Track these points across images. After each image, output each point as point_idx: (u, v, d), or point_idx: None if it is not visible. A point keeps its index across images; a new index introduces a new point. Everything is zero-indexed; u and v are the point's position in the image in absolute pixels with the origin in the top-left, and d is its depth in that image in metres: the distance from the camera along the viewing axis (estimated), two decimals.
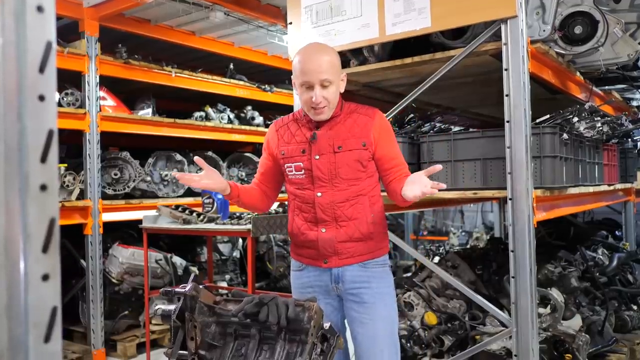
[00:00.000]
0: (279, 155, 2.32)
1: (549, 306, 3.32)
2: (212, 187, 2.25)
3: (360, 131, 2.23)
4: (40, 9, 0.76)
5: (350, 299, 2.27)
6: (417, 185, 2.00)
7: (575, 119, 3.16)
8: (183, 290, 1.94)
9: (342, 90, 2.30)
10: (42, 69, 0.75)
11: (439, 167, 2.02)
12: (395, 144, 2.34)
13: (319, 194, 2.23)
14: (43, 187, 0.75)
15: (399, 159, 2.31)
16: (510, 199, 2.60)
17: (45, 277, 0.75)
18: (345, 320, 2.38)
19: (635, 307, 4.43)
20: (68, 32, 4.53)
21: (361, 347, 2.26)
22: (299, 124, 2.32)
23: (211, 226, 4.15)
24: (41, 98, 0.75)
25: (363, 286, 2.25)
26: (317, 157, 2.23)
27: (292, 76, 2.29)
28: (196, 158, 2.25)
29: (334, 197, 2.22)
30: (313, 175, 2.23)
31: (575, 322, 3.45)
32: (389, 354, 2.24)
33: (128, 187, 4.94)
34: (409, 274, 4.90)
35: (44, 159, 0.75)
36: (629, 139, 4.71)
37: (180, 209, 4.35)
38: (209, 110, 5.75)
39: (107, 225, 4.71)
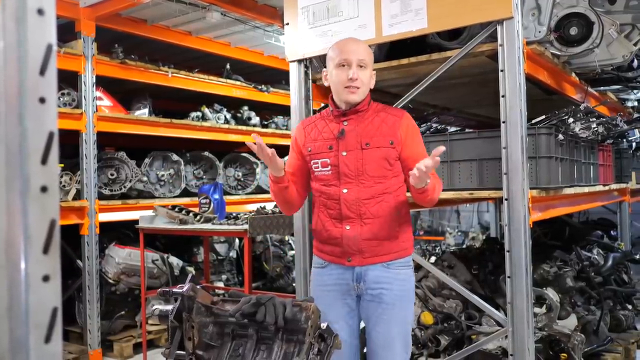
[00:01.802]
0: (306, 152, 2.33)
1: (544, 306, 3.33)
2: (276, 162, 2.19)
3: (388, 130, 2.24)
4: (40, 11, 0.76)
5: (369, 299, 2.27)
6: (417, 167, 2.00)
7: (571, 120, 3.17)
8: (181, 290, 1.94)
9: (372, 87, 2.32)
10: (42, 72, 0.76)
11: (442, 148, 2.00)
12: (422, 145, 2.33)
13: (345, 190, 2.23)
14: (44, 189, 0.75)
15: None
16: (506, 200, 2.61)
17: (46, 278, 0.75)
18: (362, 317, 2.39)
19: (630, 307, 4.45)
20: (64, 32, 4.52)
21: (374, 344, 2.27)
22: (326, 121, 2.34)
23: (208, 226, 4.16)
24: (42, 100, 0.76)
25: (384, 287, 2.24)
26: (345, 153, 2.23)
27: (325, 67, 2.33)
28: (254, 135, 2.16)
29: (360, 194, 2.21)
30: (339, 172, 2.24)
31: (571, 322, 3.47)
32: (400, 353, 2.26)
33: (124, 187, 4.93)
34: None
35: (44, 160, 0.76)
36: (624, 140, 4.73)
37: (176, 209, 4.36)
38: (206, 110, 5.75)
39: (104, 226, 4.71)
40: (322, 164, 2.28)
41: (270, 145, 2.28)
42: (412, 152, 2.26)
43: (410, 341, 2.34)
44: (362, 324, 2.42)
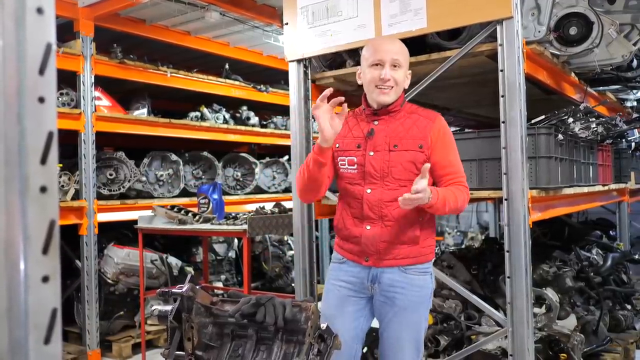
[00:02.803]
0: (334, 147, 2.29)
1: (544, 306, 3.33)
2: (334, 127, 2.07)
3: (419, 133, 2.20)
4: (40, 10, 0.75)
5: (383, 300, 2.25)
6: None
7: (570, 120, 3.17)
8: (180, 290, 1.93)
9: (406, 87, 2.29)
10: (42, 71, 0.75)
11: (427, 165, 2.02)
12: (453, 151, 2.28)
13: (369, 191, 2.20)
14: (43, 189, 0.75)
15: (454, 167, 2.25)
16: (505, 200, 2.61)
17: (45, 279, 0.75)
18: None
19: (629, 307, 4.45)
20: (63, 31, 4.52)
21: (385, 345, 2.27)
22: (358, 119, 2.31)
23: (207, 226, 4.15)
24: (41, 100, 0.75)
25: (398, 292, 2.21)
26: (372, 153, 2.21)
27: (360, 66, 2.28)
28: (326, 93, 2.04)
29: (383, 196, 2.18)
30: (365, 171, 2.21)
31: (570, 322, 3.47)
32: (410, 356, 2.24)
33: (123, 187, 4.92)
34: None
35: (44, 160, 0.75)
36: (623, 140, 4.73)
37: (175, 209, 4.35)
38: (205, 110, 5.74)
39: (103, 226, 4.70)
40: (348, 162, 2.25)
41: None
42: (441, 158, 2.21)
43: (422, 347, 2.30)
44: (370, 325, 2.41)
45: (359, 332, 2.32)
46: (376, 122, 2.24)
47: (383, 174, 2.19)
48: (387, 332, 2.25)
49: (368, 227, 2.21)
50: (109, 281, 4.78)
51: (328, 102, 2.07)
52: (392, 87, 2.18)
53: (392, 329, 2.23)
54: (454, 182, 2.21)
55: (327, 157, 2.17)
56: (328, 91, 2.06)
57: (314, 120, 3.17)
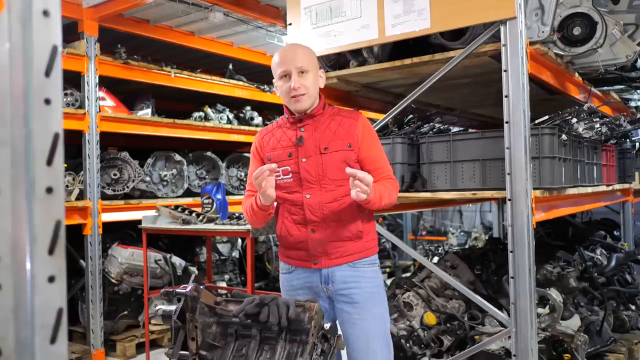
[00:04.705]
0: (266, 161, 2.33)
1: (547, 306, 3.33)
2: (271, 193, 2.13)
3: (345, 133, 2.26)
4: (46, 13, 0.76)
5: (341, 299, 2.28)
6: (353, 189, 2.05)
7: (574, 120, 3.16)
8: (184, 290, 1.94)
9: (322, 86, 2.34)
10: (47, 73, 0.76)
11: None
12: (379, 147, 2.36)
13: (308, 196, 2.25)
14: (49, 190, 0.76)
15: (381, 162, 2.32)
16: (509, 200, 2.60)
17: (51, 279, 0.75)
18: (337, 322, 2.38)
19: (633, 307, 4.44)
20: (67, 32, 4.53)
21: (354, 348, 2.26)
22: (284, 129, 2.35)
23: (210, 226, 4.15)
24: (47, 102, 0.76)
25: (353, 286, 2.26)
26: (304, 159, 2.25)
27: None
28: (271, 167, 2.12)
29: (323, 198, 2.23)
30: (301, 178, 2.26)
31: (574, 322, 3.46)
32: (382, 353, 2.25)
33: (127, 187, 4.94)
34: (408, 274, 4.92)
35: (49, 162, 0.76)
36: (628, 140, 4.71)
37: (179, 209, 4.35)
38: (208, 110, 5.75)
39: (107, 226, 4.72)
40: (283, 172, 2.28)
41: None
42: (369, 154, 2.28)
43: (391, 341, 2.34)
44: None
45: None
46: (302, 129, 2.29)
47: (319, 177, 2.24)
48: (353, 336, 2.26)
49: (313, 230, 2.25)
50: (113, 281, 4.79)
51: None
52: (305, 93, 2.23)
53: (357, 328, 2.24)
54: (384, 177, 2.28)
55: (273, 207, 2.25)
56: (274, 166, 2.10)
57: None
